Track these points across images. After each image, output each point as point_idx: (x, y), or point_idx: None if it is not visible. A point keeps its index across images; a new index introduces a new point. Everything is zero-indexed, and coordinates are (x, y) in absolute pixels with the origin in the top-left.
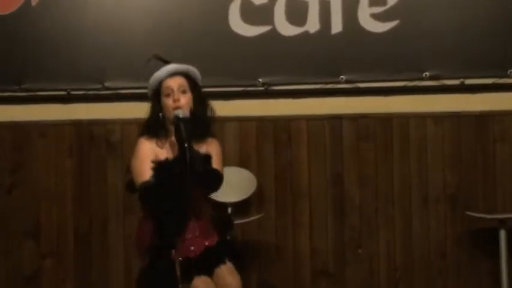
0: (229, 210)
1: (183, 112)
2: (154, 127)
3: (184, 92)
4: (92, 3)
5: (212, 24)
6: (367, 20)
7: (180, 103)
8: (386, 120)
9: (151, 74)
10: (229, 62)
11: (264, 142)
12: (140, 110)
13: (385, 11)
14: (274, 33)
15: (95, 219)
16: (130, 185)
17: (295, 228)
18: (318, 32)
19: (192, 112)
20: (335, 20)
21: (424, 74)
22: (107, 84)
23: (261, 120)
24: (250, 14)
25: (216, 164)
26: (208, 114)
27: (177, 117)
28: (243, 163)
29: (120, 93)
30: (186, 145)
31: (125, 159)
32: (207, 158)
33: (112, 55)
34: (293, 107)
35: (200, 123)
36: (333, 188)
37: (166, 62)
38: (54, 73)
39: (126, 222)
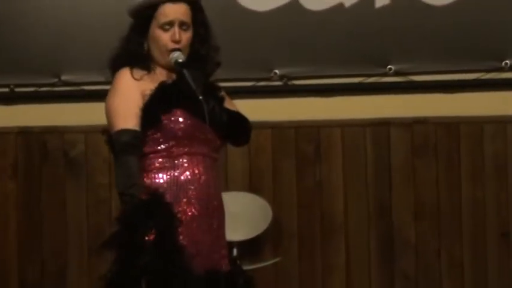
0: (235, 252)
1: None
2: (138, 58)
3: (186, 28)
4: None
5: None
6: None
7: (181, 44)
8: (451, 126)
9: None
10: (235, 47)
11: (283, 157)
12: None
13: None
14: (296, 7)
15: (48, 263)
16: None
17: (326, 276)
18: (357, 5)
19: (194, 54)
20: None
21: (503, 63)
22: (64, 77)
23: (278, 127)
24: None
25: (231, 105)
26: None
27: (178, 63)
28: (253, 187)
29: (83, 91)
30: (201, 98)
31: (91, 180)
32: (222, 100)
33: (72, 38)
34: (322, 108)
35: (206, 67)
36: (378, 220)
37: None
38: None
39: (91, 268)
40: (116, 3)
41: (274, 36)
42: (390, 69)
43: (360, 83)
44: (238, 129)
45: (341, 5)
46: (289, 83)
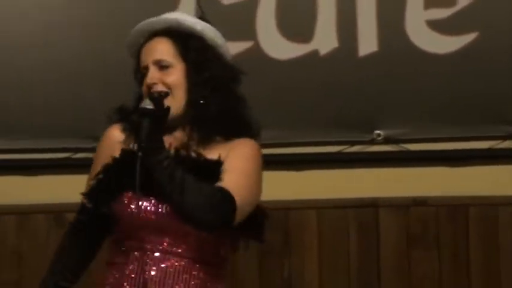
0: None
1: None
2: (127, 111)
3: (167, 66)
4: None
5: None
6: (422, 31)
7: (162, 86)
8: (457, 209)
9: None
10: None
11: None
12: (23, 189)
13: (455, 16)
14: (256, 51)
15: None
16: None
17: None
18: (335, 52)
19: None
20: (364, 33)
21: None
22: None
23: None
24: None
25: (228, 174)
26: (226, 100)
27: (140, 110)
28: None
29: None
30: (139, 153)
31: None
32: (206, 165)
33: None
34: (292, 185)
35: (202, 116)
36: None
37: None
38: None
39: None
40: (24, 52)
41: None
42: (378, 135)
43: (339, 153)
44: (179, 204)
45: (315, 52)
46: None
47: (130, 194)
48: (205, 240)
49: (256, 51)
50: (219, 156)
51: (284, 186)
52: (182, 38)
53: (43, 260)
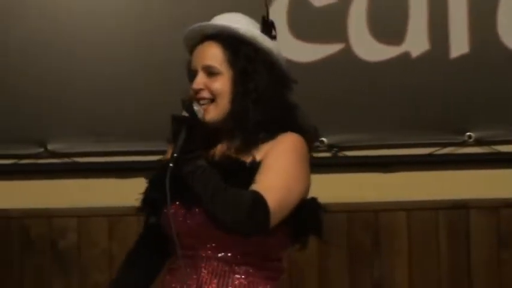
0: None
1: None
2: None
3: (214, 73)
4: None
5: None
6: None
7: (208, 93)
8: None
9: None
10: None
11: (331, 250)
12: (115, 192)
13: None
14: (347, 53)
15: None
16: None
17: None
18: (426, 54)
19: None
20: (456, 35)
21: None
22: (51, 147)
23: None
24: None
25: (264, 175)
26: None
27: (173, 117)
28: None
29: (76, 163)
30: (170, 164)
31: (85, 278)
32: (238, 170)
33: (61, 97)
34: (382, 187)
35: (241, 127)
36: None
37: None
38: None
39: None
40: (107, 58)
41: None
42: (470, 136)
43: (431, 155)
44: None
45: (406, 54)
46: (340, 154)
47: (176, 203)
48: (251, 244)
49: (348, 53)
50: (254, 158)
51: (374, 188)
52: (233, 44)
53: None
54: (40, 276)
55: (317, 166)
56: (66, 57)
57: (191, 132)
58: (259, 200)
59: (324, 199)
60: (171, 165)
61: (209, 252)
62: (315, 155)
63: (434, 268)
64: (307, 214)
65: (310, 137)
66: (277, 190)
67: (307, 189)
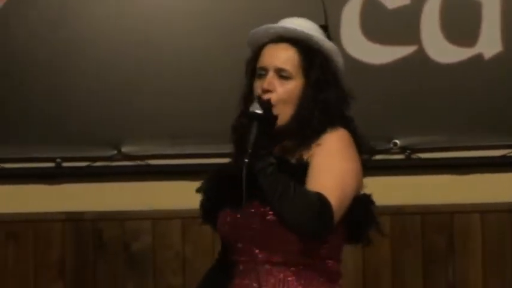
0: None
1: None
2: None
3: (286, 77)
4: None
5: None
6: None
7: (275, 95)
8: None
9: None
10: None
11: (406, 252)
12: (189, 194)
13: None
14: (420, 55)
15: None
16: None
17: None
18: (499, 56)
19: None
20: None
21: None
22: (125, 149)
23: (399, 213)
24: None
25: (316, 176)
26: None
27: (249, 114)
28: None
29: (149, 166)
30: (246, 160)
31: (159, 281)
32: (294, 170)
33: (135, 99)
34: (456, 189)
35: (304, 132)
36: None
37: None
38: (30, 132)
39: None
40: (182, 59)
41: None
42: None
43: (504, 156)
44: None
45: (479, 56)
46: (413, 156)
47: (227, 210)
48: (307, 245)
49: (421, 55)
50: (301, 157)
51: (449, 190)
52: (310, 52)
53: (208, 265)
54: (113, 278)
55: (390, 168)
56: (142, 59)
57: (264, 129)
58: (325, 202)
59: (398, 201)
60: (246, 160)
61: (264, 255)
62: (389, 157)
63: (508, 269)
64: (360, 210)
65: (365, 150)
66: (334, 189)
67: (360, 184)
